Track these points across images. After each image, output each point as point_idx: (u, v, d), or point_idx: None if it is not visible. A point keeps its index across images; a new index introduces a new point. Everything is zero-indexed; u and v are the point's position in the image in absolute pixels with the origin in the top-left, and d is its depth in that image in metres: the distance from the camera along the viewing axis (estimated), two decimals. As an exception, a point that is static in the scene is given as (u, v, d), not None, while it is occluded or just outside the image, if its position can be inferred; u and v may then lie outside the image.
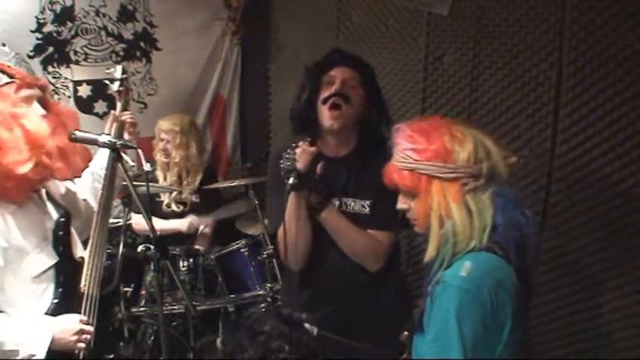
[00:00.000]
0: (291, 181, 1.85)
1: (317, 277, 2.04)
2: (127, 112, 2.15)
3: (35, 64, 3.26)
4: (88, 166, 2.08)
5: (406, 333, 1.57)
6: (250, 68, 4.09)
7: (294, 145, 1.90)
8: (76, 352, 1.72)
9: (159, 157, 3.39)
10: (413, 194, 1.47)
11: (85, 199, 2.06)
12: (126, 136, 2.11)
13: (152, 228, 1.79)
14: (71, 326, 1.72)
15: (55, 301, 1.78)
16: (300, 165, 1.86)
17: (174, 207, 3.40)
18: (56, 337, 1.68)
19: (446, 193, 1.41)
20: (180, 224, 3.35)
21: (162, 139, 3.37)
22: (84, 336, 1.72)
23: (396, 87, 3.14)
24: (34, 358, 1.65)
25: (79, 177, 2.03)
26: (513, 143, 2.66)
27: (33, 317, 1.72)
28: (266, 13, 4.01)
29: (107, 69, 2.23)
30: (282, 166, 1.89)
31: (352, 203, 2.01)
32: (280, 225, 1.96)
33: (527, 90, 2.63)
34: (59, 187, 2.01)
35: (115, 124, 2.10)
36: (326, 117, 1.93)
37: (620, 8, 2.30)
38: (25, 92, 1.79)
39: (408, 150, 1.45)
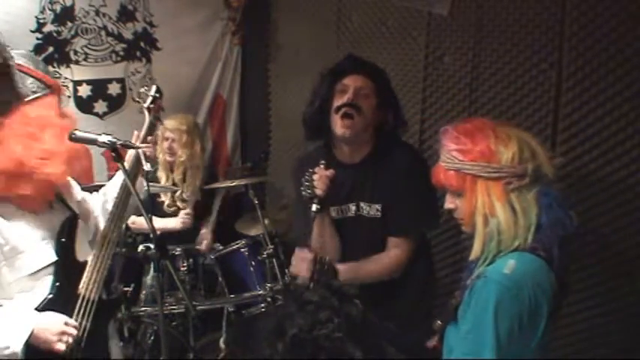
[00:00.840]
0: (314, 208, 1.92)
1: None
2: (146, 143, 2.13)
3: (35, 64, 3.27)
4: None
5: (439, 322, 1.60)
6: (250, 68, 4.08)
7: (310, 171, 1.97)
8: (60, 352, 1.71)
9: (162, 157, 3.39)
10: (459, 194, 1.51)
11: (96, 216, 2.07)
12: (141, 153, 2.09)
13: (152, 229, 1.79)
14: (53, 325, 1.72)
15: (48, 299, 1.78)
16: (319, 191, 1.92)
17: (179, 205, 3.40)
18: (36, 333, 1.68)
19: (490, 192, 1.45)
20: (174, 222, 3.33)
21: (167, 138, 3.37)
22: (65, 337, 1.72)
23: (396, 87, 3.11)
24: (9, 350, 1.65)
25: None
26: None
27: (17, 311, 1.73)
28: (266, 13, 4.01)
29: (142, 87, 2.27)
30: (302, 193, 1.96)
31: (367, 208, 2.04)
32: (304, 241, 2.01)
33: (527, 90, 2.63)
34: (76, 193, 2.02)
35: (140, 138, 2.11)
36: (338, 126, 1.96)
37: (620, 8, 2.30)
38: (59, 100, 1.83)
39: (454, 151, 1.49)
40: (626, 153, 2.35)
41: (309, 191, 1.94)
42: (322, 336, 0.92)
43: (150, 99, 2.20)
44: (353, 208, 2.04)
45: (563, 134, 2.52)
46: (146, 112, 2.18)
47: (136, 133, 2.12)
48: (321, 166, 1.96)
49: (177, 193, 3.40)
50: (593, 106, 2.42)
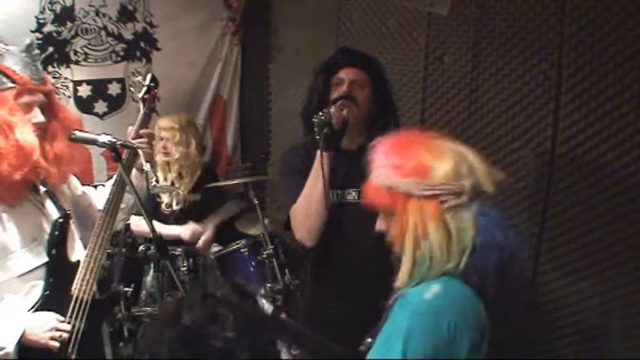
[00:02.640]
0: (325, 130, 1.87)
1: (339, 257, 2.07)
2: (143, 137, 2.09)
3: (35, 64, 3.26)
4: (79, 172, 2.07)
5: (370, 339, 1.48)
6: (250, 68, 4.08)
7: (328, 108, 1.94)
8: (54, 349, 1.71)
9: (159, 158, 3.38)
10: (390, 214, 1.38)
11: (100, 210, 2.03)
12: (141, 153, 2.06)
13: (152, 228, 1.79)
14: (45, 323, 1.72)
15: (41, 301, 1.78)
16: (334, 121, 1.89)
17: (174, 206, 3.39)
18: (28, 332, 1.68)
19: (423, 212, 1.31)
20: (182, 232, 3.30)
21: (161, 138, 3.36)
22: (57, 334, 1.72)
23: (396, 87, 3.12)
24: (3, 351, 1.66)
25: (67, 184, 2.00)
26: (513, 143, 2.66)
27: (8, 312, 1.73)
28: (266, 13, 4.01)
29: (136, 72, 2.22)
30: (314, 120, 1.90)
31: None
32: (296, 200, 1.99)
33: (527, 90, 2.63)
34: (75, 188, 2.01)
35: (134, 130, 2.06)
36: (335, 115, 1.96)
37: (620, 8, 2.30)
38: (25, 99, 1.77)
39: (384, 167, 1.37)
40: (626, 153, 2.35)
41: (322, 117, 1.88)
42: (214, 334, 0.89)
43: (145, 89, 2.16)
44: (353, 193, 2.05)
45: (563, 134, 2.52)
46: (141, 103, 2.15)
47: (130, 128, 2.10)
48: (336, 105, 1.94)
49: (174, 193, 3.39)
50: (593, 106, 2.42)
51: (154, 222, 3.17)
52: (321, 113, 1.91)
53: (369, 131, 2.08)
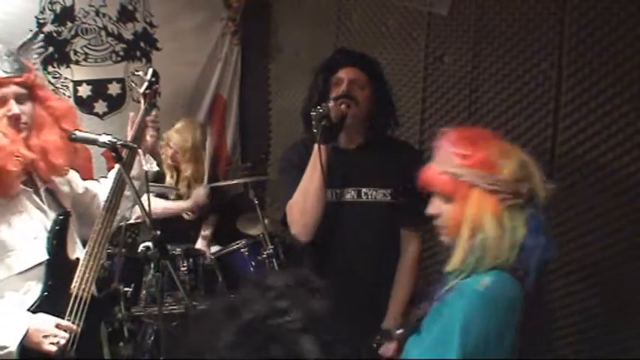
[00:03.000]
0: (323, 122, 1.88)
1: (337, 256, 2.06)
2: (152, 116, 2.09)
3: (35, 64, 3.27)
4: (76, 169, 2.05)
5: (401, 330, 1.55)
6: (250, 68, 4.08)
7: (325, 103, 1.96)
8: (51, 354, 1.70)
9: (166, 160, 3.40)
10: (448, 200, 1.41)
11: (102, 202, 2.01)
12: (148, 138, 2.05)
13: (153, 227, 1.78)
14: (44, 327, 1.71)
15: (40, 299, 1.78)
16: (333, 114, 1.90)
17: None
18: (30, 334, 1.68)
19: (483, 205, 1.36)
20: (186, 203, 3.36)
21: (171, 147, 3.38)
22: (56, 339, 1.71)
23: (396, 87, 3.13)
24: (6, 350, 1.65)
25: (61, 176, 1.96)
26: (513, 143, 2.66)
27: (11, 310, 1.72)
28: (266, 13, 4.01)
29: (136, 70, 2.19)
30: (313, 114, 1.92)
31: (374, 192, 2.05)
32: (293, 194, 1.99)
33: (527, 90, 2.63)
34: (76, 186, 2.01)
35: (134, 127, 2.03)
36: (334, 112, 1.95)
37: (620, 8, 2.30)
38: None
39: (453, 154, 1.39)
40: (626, 153, 2.36)
41: (321, 111, 1.89)
42: (277, 326, 0.83)
43: (146, 84, 2.13)
44: (352, 192, 2.05)
45: (563, 134, 2.52)
46: (142, 99, 2.13)
47: (131, 114, 2.07)
48: (336, 102, 1.94)
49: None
50: (593, 106, 2.42)
51: (157, 200, 3.21)
52: (319, 107, 1.92)
53: (368, 131, 2.08)
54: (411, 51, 3.08)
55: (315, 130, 1.91)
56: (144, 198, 1.84)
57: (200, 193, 3.36)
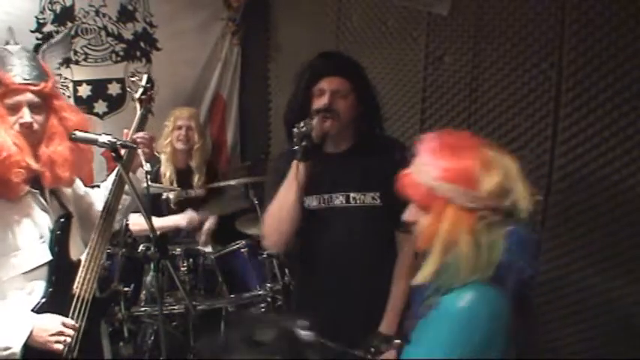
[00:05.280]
0: (304, 143, 1.87)
1: (326, 261, 2.05)
2: (141, 134, 2.08)
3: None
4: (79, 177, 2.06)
5: (398, 341, 1.53)
6: (250, 68, 4.09)
7: (310, 119, 1.94)
8: (58, 352, 1.71)
9: (170, 148, 3.39)
10: (425, 210, 1.35)
11: (98, 210, 2.03)
12: (140, 153, 2.02)
13: (152, 228, 1.79)
14: (51, 326, 1.72)
15: (44, 299, 1.78)
16: (314, 134, 1.89)
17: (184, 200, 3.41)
18: (34, 334, 1.68)
19: (459, 221, 1.29)
20: (180, 219, 3.32)
21: (180, 127, 3.39)
22: (62, 338, 1.72)
23: (396, 87, 3.14)
24: (9, 350, 1.66)
25: (66, 187, 1.98)
26: (513, 143, 2.66)
27: (15, 311, 1.73)
28: (266, 13, 4.01)
29: (132, 76, 2.20)
30: (295, 130, 1.90)
31: (362, 197, 2.02)
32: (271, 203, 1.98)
33: (527, 90, 2.63)
34: (77, 189, 2.01)
35: (130, 133, 2.04)
36: (318, 127, 1.94)
37: (620, 8, 2.30)
38: (11, 99, 1.74)
39: (430, 165, 1.32)
40: (626, 153, 2.35)
41: (304, 129, 1.87)
42: None
43: (141, 90, 2.15)
44: (341, 198, 2.02)
45: (563, 134, 2.52)
46: (137, 104, 2.14)
47: (125, 131, 2.08)
48: (318, 115, 1.93)
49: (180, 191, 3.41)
50: (593, 106, 2.42)
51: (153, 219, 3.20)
52: (302, 124, 1.89)
53: (355, 137, 2.06)
54: (411, 51, 3.08)
55: (295, 147, 1.90)
56: (144, 197, 1.85)
57: (194, 217, 3.34)
